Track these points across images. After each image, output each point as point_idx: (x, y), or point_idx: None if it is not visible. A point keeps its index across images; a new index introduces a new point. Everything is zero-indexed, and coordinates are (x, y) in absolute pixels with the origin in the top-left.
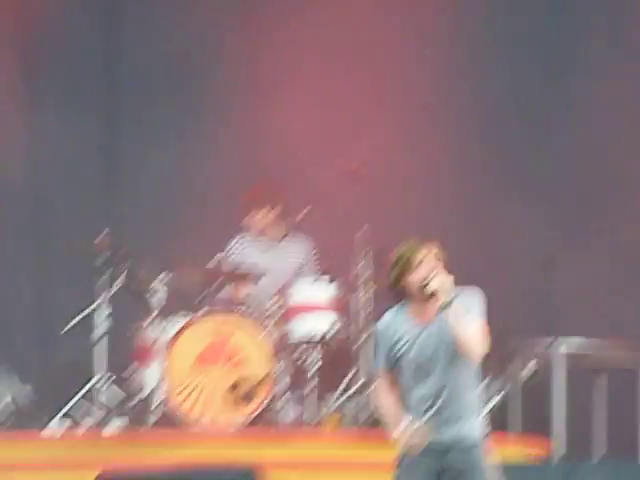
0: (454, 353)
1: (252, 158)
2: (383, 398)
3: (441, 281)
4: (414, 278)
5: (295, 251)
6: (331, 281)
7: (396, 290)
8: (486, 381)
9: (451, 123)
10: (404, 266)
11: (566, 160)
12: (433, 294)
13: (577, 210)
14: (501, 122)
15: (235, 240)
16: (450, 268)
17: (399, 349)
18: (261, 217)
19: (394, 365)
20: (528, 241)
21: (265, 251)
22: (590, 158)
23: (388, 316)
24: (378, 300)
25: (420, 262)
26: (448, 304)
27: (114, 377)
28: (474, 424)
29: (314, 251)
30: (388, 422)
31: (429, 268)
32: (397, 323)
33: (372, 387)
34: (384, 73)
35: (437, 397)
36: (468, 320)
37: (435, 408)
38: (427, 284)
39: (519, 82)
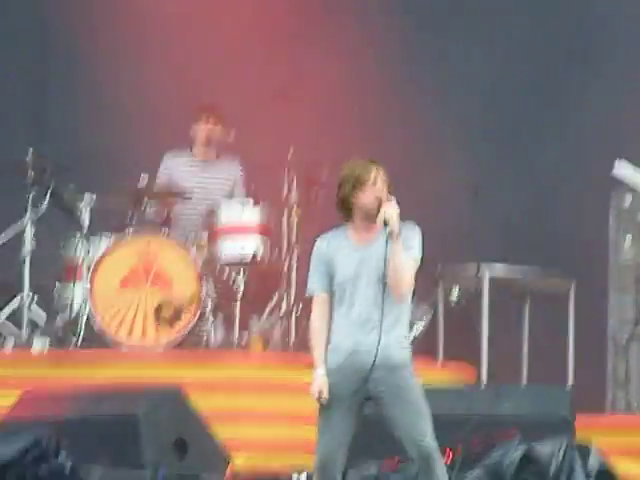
0: (386, 278)
1: (179, 80)
2: (315, 320)
3: (394, 209)
4: (367, 198)
5: (224, 172)
6: (258, 204)
7: (343, 207)
8: (412, 306)
9: (381, 44)
10: (356, 183)
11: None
12: (385, 222)
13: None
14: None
15: (164, 160)
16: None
17: (335, 269)
18: (207, 129)
19: (329, 285)
20: (454, 171)
21: (194, 171)
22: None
23: (327, 236)
24: (304, 223)
25: (373, 181)
26: (396, 234)
27: (39, 296)
28: (402, 345)
29: (242, 173)
30: (313, 348)
31: (380, 189)
32: (335, 243)
33: (298, 309)
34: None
35: (367, 317)
36: (406, 256)
37: (365, 328)
38: (380, 208)
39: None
